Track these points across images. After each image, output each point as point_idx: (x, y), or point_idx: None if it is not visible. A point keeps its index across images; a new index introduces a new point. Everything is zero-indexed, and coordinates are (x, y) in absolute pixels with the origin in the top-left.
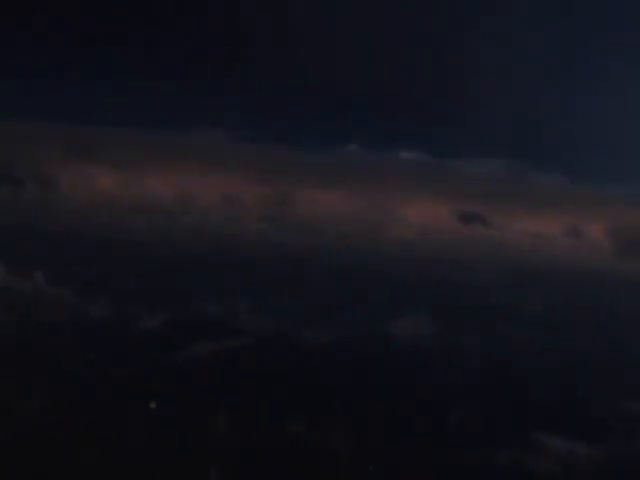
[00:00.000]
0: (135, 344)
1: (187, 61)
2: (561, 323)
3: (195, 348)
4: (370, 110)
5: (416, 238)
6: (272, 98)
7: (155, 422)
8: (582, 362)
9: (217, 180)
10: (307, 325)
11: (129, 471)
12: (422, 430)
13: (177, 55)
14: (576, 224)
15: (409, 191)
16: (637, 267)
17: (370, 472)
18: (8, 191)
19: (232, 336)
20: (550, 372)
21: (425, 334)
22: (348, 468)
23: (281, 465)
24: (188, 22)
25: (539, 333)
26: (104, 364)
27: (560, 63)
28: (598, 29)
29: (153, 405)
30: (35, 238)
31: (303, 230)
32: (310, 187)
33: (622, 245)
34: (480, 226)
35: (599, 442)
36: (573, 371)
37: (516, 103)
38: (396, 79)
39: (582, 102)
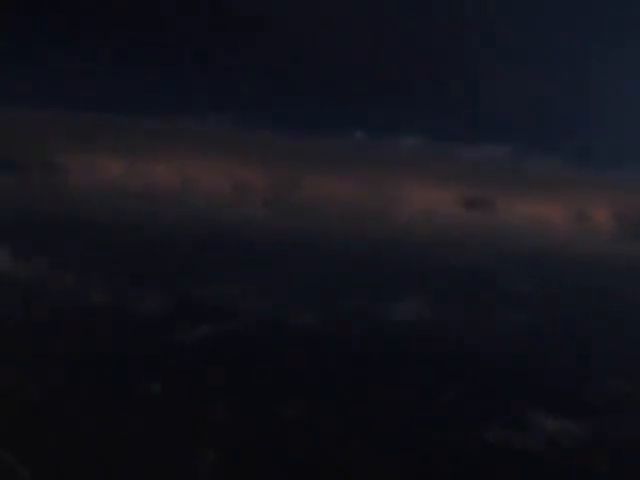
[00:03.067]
0: (135, 327)
1: (189, 44)
2: (563, 307)
3: (194, 331)
4: (371, 96)
5: (418, 223)
6: (274, 84)
7: (155, 405)
8: (582, 346)
9: (221, 166)
10: (307, 309)
11: (127, 453)
12: (420, 413)
13: (181, 38)
14: (581, 208)
15: (411, 176)
16: None
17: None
18: (12, 177)
19: (231, 320)
20: (549, 356)
21: (425, 318)
22: (346, 451)
23: (279, 449)
24: (188, 3)
25: (540, 317)
26: (104, 347)
27: (564, 43)
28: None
29: (155, 387)
30: (38, 223)
31: (306, 216)
32: (314, 173)
33: (628, 229)
34: (483, 211)
35: (588, 420)
36: (572, 355)
37: (518, 86)
38: (396, 64)
39: (587, 83)
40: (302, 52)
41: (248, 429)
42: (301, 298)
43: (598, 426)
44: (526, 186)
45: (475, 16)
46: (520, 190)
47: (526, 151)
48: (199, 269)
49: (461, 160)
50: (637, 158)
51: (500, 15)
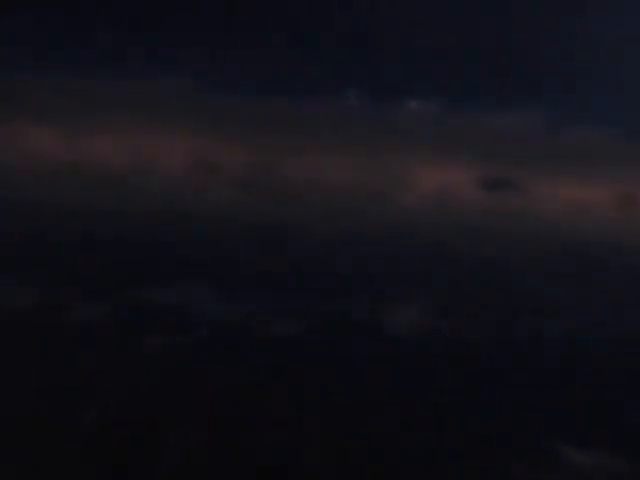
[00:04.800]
0: (67, 339)
1: None
2: (606, 315)
3: (141, 343)
4: (370, 49)
5: (428, 209)
6: (248, 34)
7: (91, 435)
8: (628, 363)
9: (183, 139)
10: (284, 316)
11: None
12: (420, 444)
13: None
14: (630, 191)
15: (420, 150)
16: None
17: None
18: None
19: (187, 328)
20: (576, 376)
21: (430, 329)
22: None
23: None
24: None
25: (571, 328)
26: (27, 363)
27: None
28: None
29: (91, 413)
30: None
31: (287, 200)
32: (297, 147)
33: None
34: (508, 194)
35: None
36: (605, 375)
37: (550, 35)
38: (401, 10)
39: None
40: None
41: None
42: (277, 303)
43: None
44: (561, 163)
45: None
46: (553, 168)
47: (564, 119)
48: (153, 267)
49: (480, 130)
50: None
51: None
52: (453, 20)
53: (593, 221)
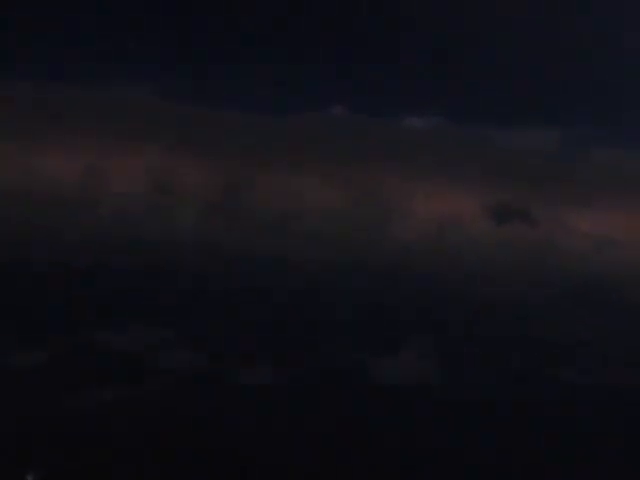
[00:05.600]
0: (4, 391)
1: None
2: (630, 366)
3: (90, 394)
4: (362, 61)
5: (428, 242)
6: (218, 33)
7: None
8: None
9: (140, 156)
10: (256, 363)
11: None
12: None
13: None
14: None
15: (419, 174)
16: None
17: None
18: None
19: (144, 377)
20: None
21: (425, 380)
22: None
23: None
24: None
25: (600, 383)
26: None
27: None
28: None
29: (30, 477)
30: None
31: (261, 228)
32: (277, 166)
33: None
34: (522, 225)
35: None
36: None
37: (568, 47)
38: (401, 16)
39: None
40: None
41: None
42: (248, 347)
43: None
44: (583, 189)
45: None
46: (574, 194)
47: (584, 139)
48: (106, 306)
49: (491, 151)
50: None
51: None
52: (456, 29)
53: (615, 253)
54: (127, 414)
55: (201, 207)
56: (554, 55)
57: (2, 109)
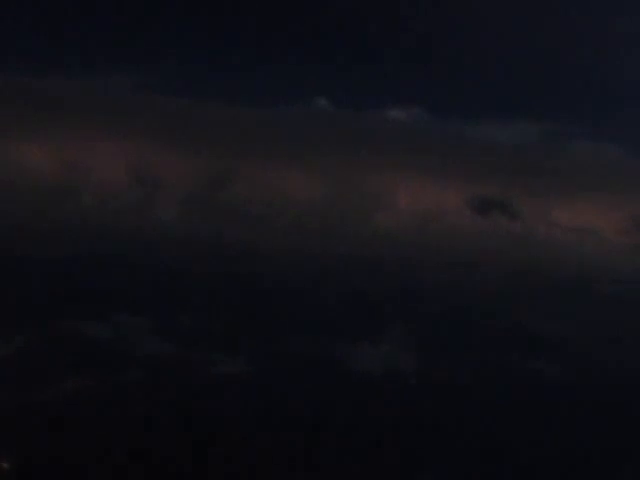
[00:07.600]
0: None
1: None
2: (614, 359)
3: (68, 383)
4: (345, 52)
5: (410, 233)
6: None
7: None
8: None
9: (121, 148)
10: (231, 354)
11: None
12: None
13: None
14: (636, 214)
15: (400, 166)
16: None
17: None
18: None
19: (121, 365)
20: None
21: (403, 368)
22: None
23: None
24: None
25: (582, 373)
26: None
27: None
28: None
29: (5, 464)
30: None
31: (242, 221)
32: (259, 158)
33: None
34: (501, 217)
35: None
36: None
37: (551, 43)
38: (384, 10)
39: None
40: None
41: None
42: (224, 338)
43: None
44: (562, 182)
45: None
46: (555, 188)
47: (563, 134)
48: (80, 296)
49: (472, 144)
50: None
51: None
52: (440, 21)
53: (593, 246)
54: (107, 402)
55: (184, 198)
56: (538, 49)
57: None
